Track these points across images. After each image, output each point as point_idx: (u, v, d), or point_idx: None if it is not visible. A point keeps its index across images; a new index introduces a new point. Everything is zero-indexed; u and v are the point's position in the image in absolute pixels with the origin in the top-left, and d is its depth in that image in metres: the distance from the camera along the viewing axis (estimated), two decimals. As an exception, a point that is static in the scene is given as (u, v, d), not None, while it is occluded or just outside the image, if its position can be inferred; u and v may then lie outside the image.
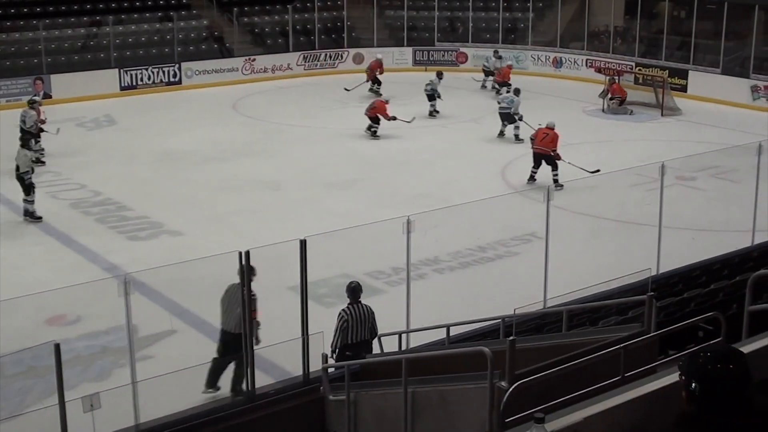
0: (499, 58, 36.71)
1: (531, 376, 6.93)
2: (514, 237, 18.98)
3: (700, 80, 34.18)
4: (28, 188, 20.45)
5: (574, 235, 18.19)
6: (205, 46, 38.45)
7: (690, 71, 34.83)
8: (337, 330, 12.43)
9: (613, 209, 20.61)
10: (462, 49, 40.83)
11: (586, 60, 38.14)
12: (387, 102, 28.83)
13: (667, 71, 35.10)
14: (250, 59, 38.13)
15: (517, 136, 27.63)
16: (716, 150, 25.84)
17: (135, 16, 38.12)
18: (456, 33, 41.67)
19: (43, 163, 24.87)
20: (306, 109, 32.26)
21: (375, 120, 28.42)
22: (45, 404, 10.80)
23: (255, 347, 11.63)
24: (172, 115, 31.32)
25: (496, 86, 34.75)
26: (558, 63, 39.03)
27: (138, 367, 11.32)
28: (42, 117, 25.18)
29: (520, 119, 27.32)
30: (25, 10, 36.37)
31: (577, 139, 26.34)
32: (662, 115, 31.06)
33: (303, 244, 11.55)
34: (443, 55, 40.84)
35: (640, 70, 35.82)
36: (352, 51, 40.47)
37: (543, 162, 23.14)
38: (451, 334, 12.24)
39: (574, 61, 38.31)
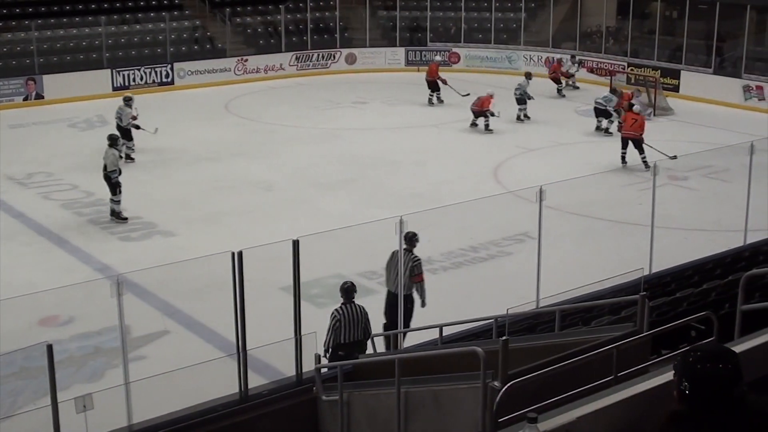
0: (578, 63, 37.18)
1: (524, 376, 6.93)
2: (507, 237, 18.99)
3: (692, 80, 34.22)
4: (114, 188, 20.41)
5: (567, 235, 18.21)
6: (198, 46, 38.41)
7: (682, 71, 34.88)
8: (329, 330, 12.46)
9: (606, 209, 20.63)
10: (454, 50, 40.82)
11: (579, 59, 38.16)
12: (492, 96, 29.21)
13: (659, 71, 35.14)
14: (242, 59, 38.11)
15: (607, 130, 28.46)
16: (708, 150, 25.88)
17: (127, 16, 38.07)
18: (448, 33, 41.64)
19: (133, 159, 25.21)
20: (298, 110, 32.24)
21: (480, 114, 29.03)
22: (37, 405, 10.81)
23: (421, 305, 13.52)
24: (165, 116, 31.24)
25: (576, 86, 35.93)
26: (551, 63, 39.06)
27: (131, 368, 11.31)
28: (134, 114, 25.60)
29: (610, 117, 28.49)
30: (17, 10, 36.32)
31: (569, 139, 26.38)
32: (654, 114, 31.05)
33: (296, 244, 11.54)
34: (436, 56, 40.81)
35: (632, 70, 35.87)
36: (345, 51, 40.46)
37: (630, 145, 24.61)
38: (444, 334, 12.24)
39: (567, 61, 38.31)
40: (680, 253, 16.54)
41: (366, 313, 12.66)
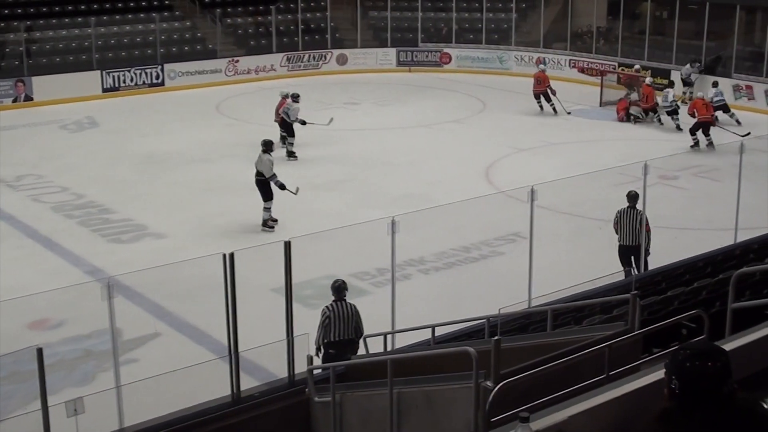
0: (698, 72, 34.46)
1: (516, 376, 6.93)
2: (499, 237, 18.99)
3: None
4: (269, 194, 20.11)
5: (558, 234, 18.22)
6: (188, 47, 38.35)
7: (672, 71, 34.92)
8: (320, 326, 12.49)
9: (597, 209, 20.63)
10: (446, 50, 40.84)
11: (570, 60, 38.20)
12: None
13: (649, 71, 35.18)
14: (233, 60, 38.08)
15: (678, 126, 28.88)
16: (698, 149, 25.97)
17: (117, 17, 38.00)
18: (439, 34, 41.64)
19: (296, 157, 25.74)
20: (290, 111, 32.17)
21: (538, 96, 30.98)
22: (28, 409, 10.78)
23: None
24: (155, 117, 31.23)
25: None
26: (542, 63, 39.09)
27: (122, 371, 11.29)
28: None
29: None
30: (6, 11, 36.26)
31: (560, 138, 26.38)
32: (645, 114, 31.08)
33: (287, 245, 11.54)
34: (427, 56, 40.86)
35: (623, 70, 35.88)
36: (336, 52, 40.45)
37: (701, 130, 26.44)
38: (436, 335, 12.24)
39: (558, 62, 38.34)
40: (671, 251, 16.57)
41: (357, 312, 12.66)
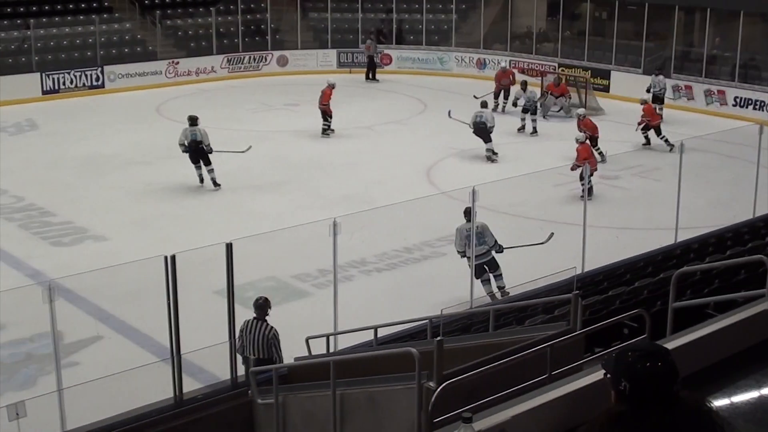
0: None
1: (459, 376, 6.96)
2: (440, 237, 19.03)
3: (622, 80, 34.57)
4: (208, 159, 23.05)
5: (500, 234, 18.30)
6: (128, 49, 38.05)
7: (612, 71, 35.23)
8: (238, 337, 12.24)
9: (538, 209, 20.77)
10: (386, 51, 40.86)
11: (510, 61, 38.37)
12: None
13: (589, 71, 35.46)
14: (173, 62, 37.83)
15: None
16: (639, 149, 26.20)
17: (56, 19, 37.61)
18: (381, 35, 41.64)
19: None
20: (231, 112, 32.07)
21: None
22: (-32, 414, 10.65)
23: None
24: (96, 119, 30.98)
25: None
26: (482, 64, 39.23)
27: (64, 374, 11.20)
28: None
29: None
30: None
31: (499, 139, 26.46)
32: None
33: (229, 247, 11.51)
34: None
35: (563, 70, 36.11)
36: (276, 53, 40.32)
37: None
38: (378, 336, 12.24)
39: (498, 62, 38.47)
40: (612, 251, 16.71)
41: (274, 337, 12.16)
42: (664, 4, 34.46)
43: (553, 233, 16.94)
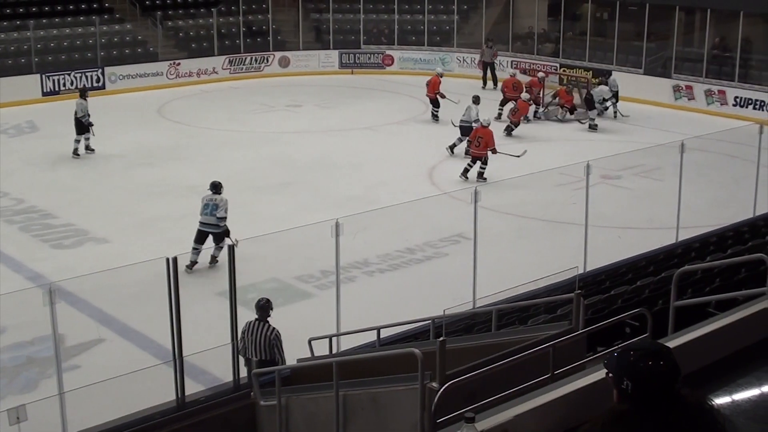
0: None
1: (461, 376, 6.95)
2: (443, 238, 19.03)
3: (623, 81, 34.50)
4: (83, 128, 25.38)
5: (502, 235, 18.31)
6: (129, 50, 38.03)
7: (613, 72, 35.20)
8: (240, 339, 12.23)
9: (540, 209, 20.76)
10: (388, 52, 40.86)
11: (511, 62, 38.35)
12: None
13: (590, 72, 35.43)
14: (174, 63, 37.80)
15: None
16: (640, 149, 26.16)
17: (57, 20, 37.59)
18: (381, 36, 41.62)
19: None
20: (232, 113, 32.09)
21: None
22: (-31, 418, 10.65)
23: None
24: (97, 121, 30.85)
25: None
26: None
27: (65, 378, 11.20)
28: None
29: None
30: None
31: (502, 140, 26.43)
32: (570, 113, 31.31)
33: (231, 249, 11.50)
34: (369, 58, 40.85)
35: (564, 71, 36.11)
36: (278, 54, 40.29)
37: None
38: (381, 336, 12.24)
39: (500, 63, 38.46)
40: (614, 251, 16.70)
41: (276, 338, 12.22)
42: (665, 5, 34.45)
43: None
